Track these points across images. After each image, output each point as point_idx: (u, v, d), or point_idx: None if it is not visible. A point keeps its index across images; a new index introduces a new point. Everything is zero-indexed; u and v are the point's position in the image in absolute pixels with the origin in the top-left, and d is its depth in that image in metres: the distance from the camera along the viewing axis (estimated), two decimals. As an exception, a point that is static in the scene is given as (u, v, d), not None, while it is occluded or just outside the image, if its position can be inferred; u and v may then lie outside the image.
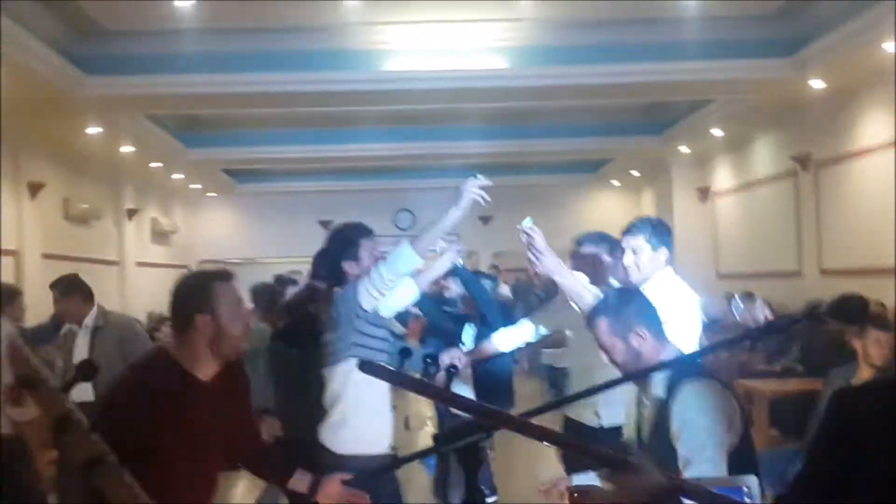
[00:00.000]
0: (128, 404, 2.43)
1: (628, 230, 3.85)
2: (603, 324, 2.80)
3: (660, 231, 3.83)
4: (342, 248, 3.98)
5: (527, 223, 3.74)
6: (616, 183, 17.94)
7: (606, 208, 17.45)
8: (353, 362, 3.60)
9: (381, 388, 3.80)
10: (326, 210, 17.30)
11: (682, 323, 3.57)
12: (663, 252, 3.77)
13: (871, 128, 9.70)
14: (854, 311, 2.02)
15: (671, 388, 2.66)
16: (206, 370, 2.56)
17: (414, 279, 4.05)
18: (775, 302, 10.63)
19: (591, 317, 2.87)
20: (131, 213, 14.31)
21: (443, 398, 3.41)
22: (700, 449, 2.55)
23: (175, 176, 15.16)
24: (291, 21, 9.01)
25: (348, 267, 3.93)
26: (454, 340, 5.62)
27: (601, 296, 3.58)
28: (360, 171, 16.60)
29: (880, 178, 9.47)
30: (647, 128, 13.72)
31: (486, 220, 15.98)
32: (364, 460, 3.63)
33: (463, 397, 2.32)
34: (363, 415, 3.76)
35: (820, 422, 1.28)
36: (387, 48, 9.44)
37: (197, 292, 2.55)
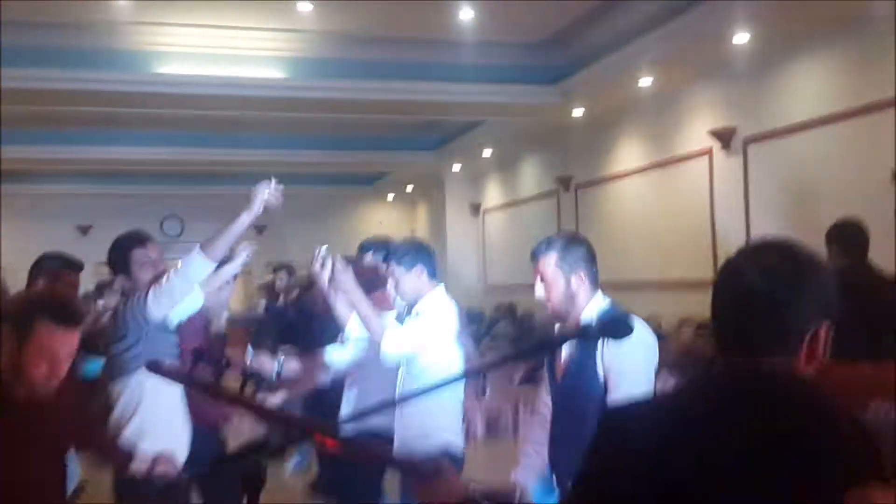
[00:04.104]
0: None
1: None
2: (552, 259, 2.86)
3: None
4: (116, 259, 3.84)
5: (324, 251, 3.70)
6: (391, 197, 18.22)
7: (382, 221, 17.67)
8: (143, 372, 3.45)
9: (176, 396, 3.72)
10: (88, 215, 16.37)
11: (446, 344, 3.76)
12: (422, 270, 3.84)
13: (626, 153, 10.50)
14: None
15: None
16: None
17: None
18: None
19: (537, 252, 2.90)
20: None
21: (228, 399, 3.36)
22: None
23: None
24: (57, 16, 8.44)
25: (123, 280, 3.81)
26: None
27: (390, 325, 3.67)
28: (126, 175, 15.80)
29: (634, 199, 10.30)
30: (422, 144, 14.06)
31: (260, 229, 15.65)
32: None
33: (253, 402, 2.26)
34: (161, 426, 3.62)
35: (591, 440, 1.30)
36: (159, 50, 9.07)
37: None
